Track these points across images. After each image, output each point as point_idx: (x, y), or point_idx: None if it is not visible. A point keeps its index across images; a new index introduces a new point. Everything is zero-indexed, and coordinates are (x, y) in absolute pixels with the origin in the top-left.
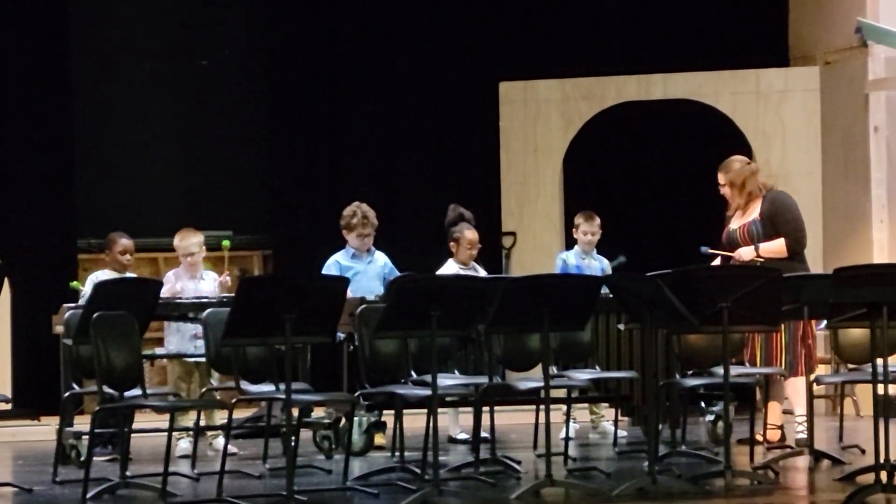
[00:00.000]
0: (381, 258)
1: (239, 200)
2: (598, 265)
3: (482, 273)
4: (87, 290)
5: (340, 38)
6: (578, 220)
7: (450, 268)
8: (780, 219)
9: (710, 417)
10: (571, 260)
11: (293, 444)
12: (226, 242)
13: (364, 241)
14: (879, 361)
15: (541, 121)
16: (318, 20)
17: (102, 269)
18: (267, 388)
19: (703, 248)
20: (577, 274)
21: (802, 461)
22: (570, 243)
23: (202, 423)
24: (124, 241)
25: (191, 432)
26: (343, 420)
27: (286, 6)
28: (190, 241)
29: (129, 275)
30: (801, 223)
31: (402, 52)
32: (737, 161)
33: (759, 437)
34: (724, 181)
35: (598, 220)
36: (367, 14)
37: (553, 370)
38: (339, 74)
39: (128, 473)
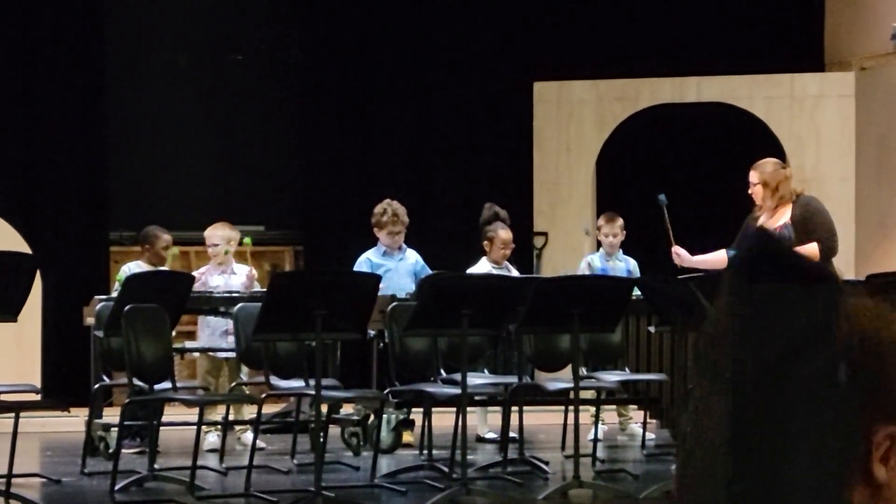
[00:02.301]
0: (412, 256)
1: (271, 195)
2: (624, 266)
3: (515, 273)
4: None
5: (374, 34)
6: (600, 222)
7: (482, 267)
8: (812, 224)
9: None
10: (596, 262)
11: (322, 440)
12: (247, 240)
13: (394, 239)
14: None
15: (574, 121)
16: (353, 17)
17: (136, 261)
18: (296, 383)
19: (661, 197)
20: (608, 275)
21: None
22: (601, 244)
23: (231, 417)
24: (167, 237)
25: (219, 426)
26: (372, 417)
27: (320, 2)
28: (215, 234)
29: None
30: (833, 228)
31: (436, 50)
32: (771, 163)
33: None
34: (756, 180)
35: (620, 222)
36: (402, 11)
37: (583, 371)
38: (372, 71)
39: (156, 466)
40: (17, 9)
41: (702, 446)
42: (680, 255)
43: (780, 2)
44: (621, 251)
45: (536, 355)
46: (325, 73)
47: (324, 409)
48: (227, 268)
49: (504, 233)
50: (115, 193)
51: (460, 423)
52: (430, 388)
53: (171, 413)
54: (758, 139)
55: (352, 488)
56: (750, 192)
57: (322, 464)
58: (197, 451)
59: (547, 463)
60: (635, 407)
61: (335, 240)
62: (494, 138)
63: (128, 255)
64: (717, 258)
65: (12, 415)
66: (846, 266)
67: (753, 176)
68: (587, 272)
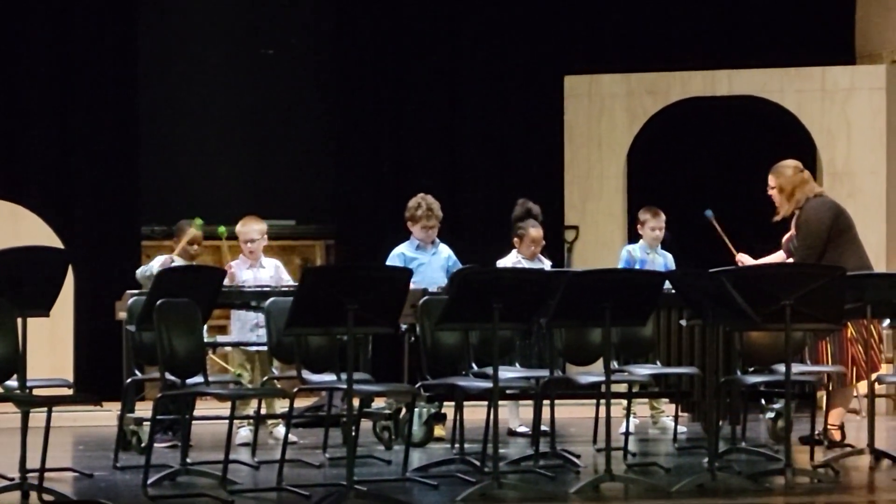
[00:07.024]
0: (444, 250)
1: (302, 189)
2: (662, 261)
3: (547, 265)
4: (154, 268)
5: (406, 28)
6: (645, 216)
7: (512, 258)
8: (799, 234)
9: (771, 415)
10: (637, 253)
11: (353, 434)
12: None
13: (428, 234)
14: None
15: (605, 115)
16: (385, 10)
17: (169, 255)
18: (328, 377)
19: (708, 212)
20: (639, 269)
21: (863, 460)
22: (632, 238)
23: (263, 411)
24: (192, 231)
25: (251, 420)
26: (403, 411)
27: None
28: (251, 228)
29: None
30: (813, 243)
31: (467, 44)
32: (789, 167)
33: (818, 436)
34: (773, 184)
35: (664, 217)
36: (433, 5)
37: (614, 365)
38: (404, 65)
39: (188, 460)
40: (50, 5)
41: None
42: (745, 262)
43: None
44: (660, 245)
45: (567, 349)
46: (356, 67)
47: (355, 403)
48: (256, 262)
49: (535, 231)
50: (147, 188)
51: (492, 416)
52: (462, 382)
53: (202, 407)
54: (788, 132)
55: (383, 482)
56: (769, 193)
57: (354, 458)
58: (229, 446)
59: (578, 456)
60: (667, 400)
61: (366, 234)
62: (525, 132)
63: (159, 249)
64: (780, 258)
65: (45, 409)
66: (877, 260)
67: (771, 179)
68: (630, 263)
